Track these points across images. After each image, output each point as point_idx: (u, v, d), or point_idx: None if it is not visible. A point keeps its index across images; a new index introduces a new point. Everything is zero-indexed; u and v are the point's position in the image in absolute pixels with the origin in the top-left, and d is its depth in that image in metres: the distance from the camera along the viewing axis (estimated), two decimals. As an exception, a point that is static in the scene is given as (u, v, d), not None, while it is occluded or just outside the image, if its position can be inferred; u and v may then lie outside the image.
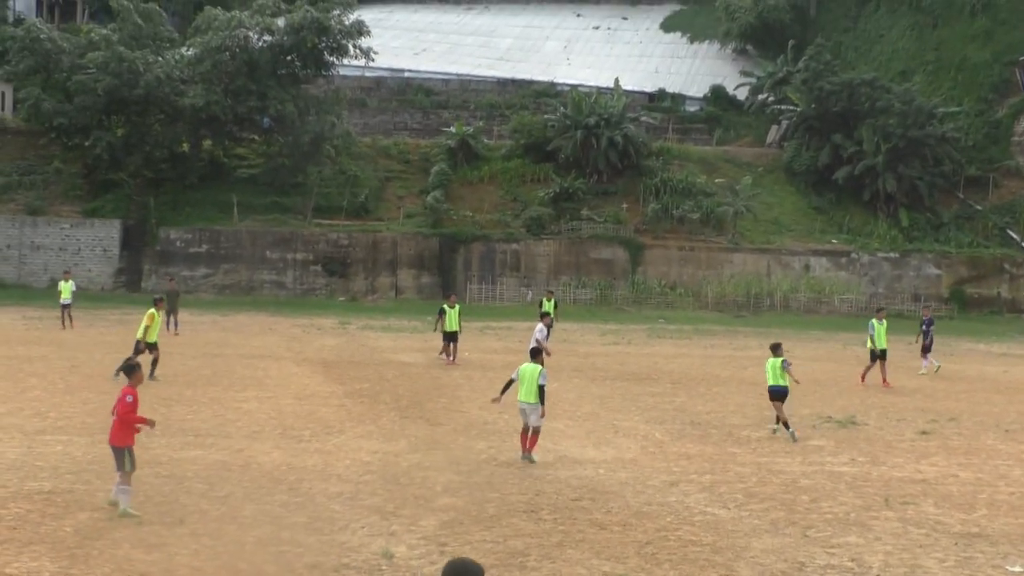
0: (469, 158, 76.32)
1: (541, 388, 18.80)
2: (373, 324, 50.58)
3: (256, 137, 75.76)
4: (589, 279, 68.68)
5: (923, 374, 35.82)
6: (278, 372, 31.17)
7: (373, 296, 67.55)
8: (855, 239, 72.46)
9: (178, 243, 68.54)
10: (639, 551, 13.38)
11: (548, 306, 42.28)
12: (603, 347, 43.07)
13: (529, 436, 19.05)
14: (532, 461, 18.79)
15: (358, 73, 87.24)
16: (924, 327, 37.75)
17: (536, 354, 19.63)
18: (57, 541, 13.05)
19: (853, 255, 70.65)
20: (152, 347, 29.03)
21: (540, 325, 33.00)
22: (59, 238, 68.28)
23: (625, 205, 73.11)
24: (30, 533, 13.34)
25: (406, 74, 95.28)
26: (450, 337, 35.73)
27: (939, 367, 36.30)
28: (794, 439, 21.77)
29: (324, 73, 75.76)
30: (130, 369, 15.22)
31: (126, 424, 14.73)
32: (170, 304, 43.54)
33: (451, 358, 35.29)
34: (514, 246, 69.90)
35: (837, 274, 69.65)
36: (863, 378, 32.56)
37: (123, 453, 14.59)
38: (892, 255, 70.85)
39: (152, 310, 29.51)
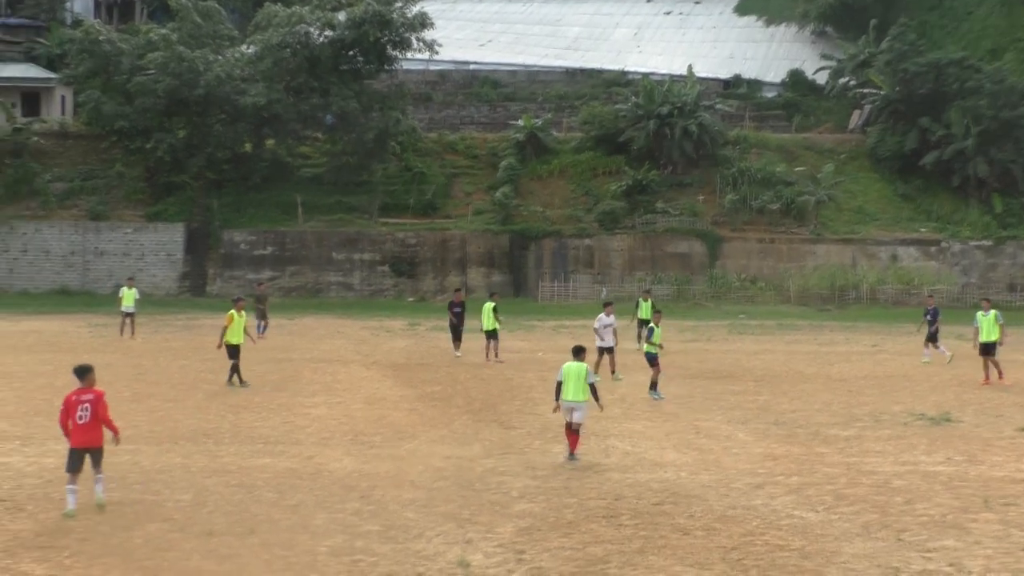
0: (538, 152, 76.31)
1: (592, 387, 19.19)
2: (443, 325, 50.58)
3: (319, 135, 76.29)
4: (665, 274, 68.36)
5: (926, 362, 36.29)
6: (347, 376, 31.36)
7: (442, 296, 67.73)
8: (945, 227, 71.45)
9: (242, 245, 69.24)
10: (724, 557, 13.28)
11: (645, 309, 39.25)
12: (682, 344, 42.84)
13: (571, 435, 19.36)
14: (576, 460, 19.11)
15: (422, 67, 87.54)
16: (928, 317, 38.10)
17: (580, 352, 19.72)
18: (127, 553, 13.21)
19: (943, 244, 69.69)
20: (234, 350, 29.18)
21: (602, 317, 31.99)
22: (122, 243, 69.26)
23: (701, 197, 72.71)
24: (101, 545, 13.52)
25: (471, 66, 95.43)
26: (489, 336, 35.94)
27: (951, 357, 36.20)
28: None
29: (387, 68, 76.08)
30: (85, 371, 15.91)
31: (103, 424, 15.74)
32: (258, 309, 44.29)
33: (491, 357, 35.51)
34: (587, 241, 69.79)
35: (927, 264, 68.75)
36: (986, 379, 30.92)
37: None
38: (985, 243, 69.76)
39: (232, 311, 29.79)
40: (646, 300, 40.79)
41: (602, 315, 32.06)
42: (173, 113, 71.69)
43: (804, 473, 18.28)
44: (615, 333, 32.08)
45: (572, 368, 19.28)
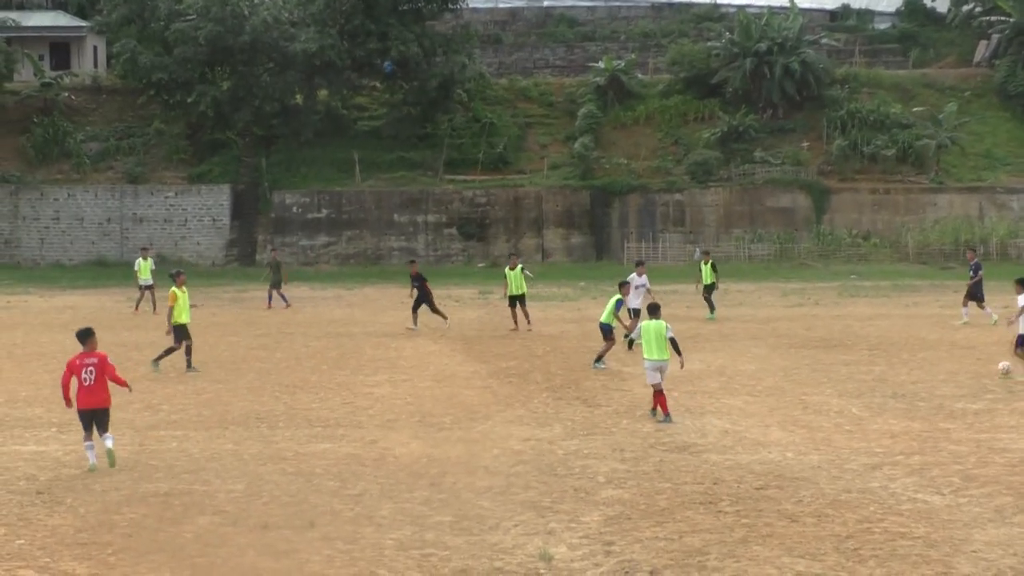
0: (621, 97, 76.01)
1: (673, 340, 20.79)
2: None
3: (377, 84, 76.58)
4: (766, 231, 67.95)
5: (964, 323, 36.22)
6: (413, 351, 31.52)
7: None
8: (1087, 171, 70.36)
9: (294, 208, 69.78)
10: (838, 547, 13.21)
11: (707, 272, 40.59)
12: (785, 310, 42.55)
13: (660, 396, 20.86)
14: (672, 422, 20.50)
15: (490, 5, 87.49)
16: (972, 272, 37.86)
17: (655, 309, 21.42)
18: (177, 549, 13.39)
19: (1084, 190, 68.63)
20: (184, 331, 28.26)
21: (634, 277, 32.80)
22: (163, 208, 70.10)
23: (806, 144, 72.09)
24: (147, 541, 13.72)
25: (545, 3, 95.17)
26: (515, 301, 36.26)
27: (996, 320, 35.57)
28: None
29: (451, 7, 76.15)
30: (87, 334, 17.82)
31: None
32: (274, 277, 45.55)
33: (517, 325, 35.98)
34: (677, 196, 69.50)
35: (1065, 214, 67.77)
36: None
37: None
38: None
39: (174, 288, 28.58)
40: (706, 263, 41.22)
41: (634, 275, 33.30)
42: (216, 63, 72.27)
43: (927, 452, 18.12)
44: (649, 293, 32.80)
45: (651, 326, 20.85)
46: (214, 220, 70.07)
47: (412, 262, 42.13)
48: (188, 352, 28.13)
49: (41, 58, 79.78)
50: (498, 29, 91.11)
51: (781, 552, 13.02)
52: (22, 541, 13.63)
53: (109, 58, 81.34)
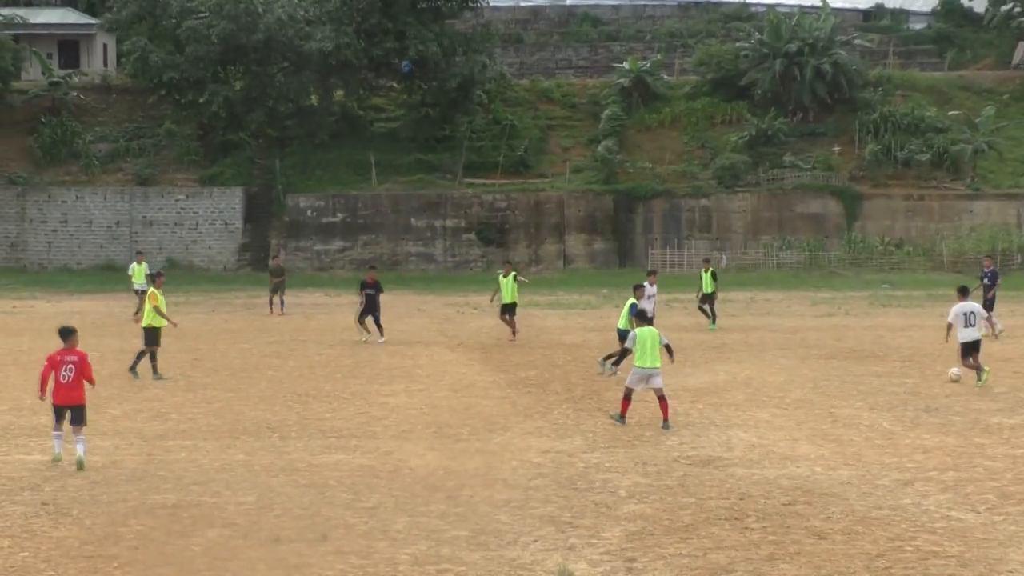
0: (646, 99, 76.05)
1: (668, 347, 21.95)
2: (538, 300, 50.80)
3: (395, 84, 76.74)
4: (795, 238, 67.92)
5: (1000, 331, 36.26)
6: (429, 360, 31.56)
7: (537, 267, 67.95)
8: None
9: (309, 212, 69.96)
10: (868, 565, 13.18)
11: (707, 281, 40.12)
12: (815, 320, 42.49)
13: (660, 403, 21.64)
14: (670, 427, 21.30)
15: (512, 3, 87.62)
16: (986, 280, 37.92)
17: (647, 316, 23.10)
18: (185, 563, 13.42)
19: None
20: (157, 335, 28.38)
21: (645, 286, 32.57)
22: (174, 211, 70.30)
23: (837, 148, 72.03)
24: (154, 554, 13.75)
25: (568, 1, 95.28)
26: (506, 310, 36.25)
27: (1002, 331, 35.98)
28: None
29: (471, 5, 76.26)
30: (68, 332, 18.78)
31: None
32: (274, 283, 46.25)
33: (514, 335, 35.92)
34: (703, 202, 69.50)
35: (1106, 222, 67.58)
36: None
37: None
38: None
39: (153, 289, 29.14)
40: (707, 271, 40.95)
41: (645, 284, 33.17)
42: (229, 62, 72.52)
43: (961, 468, 18.07)
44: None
45: (647, 333, 21.69)
46: (226, 224, 70.26)
47: (372, 268, 42.22)
48: (153, 358, 28.21)
49: (49, 56, 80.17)
50: (519, 28, 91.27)
51: (809, 571, 13.00)
52: (26, 553, 13.66)
53: (119, 57, 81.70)
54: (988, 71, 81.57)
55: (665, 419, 21.43)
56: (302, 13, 72.78)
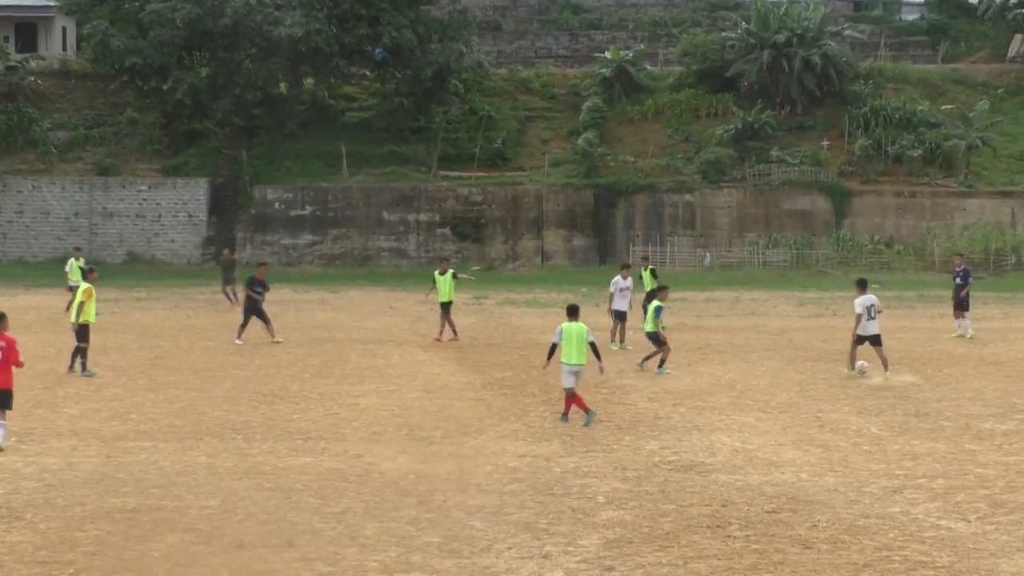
0: (629, 90, 76.12)
1: (593, 345, 22.06)
2: (515, 298, 50.84)
3: (367, 73, 76.69)
4: (782, 236, 68.06)
5: (958, 336, 36.83)
6: (401, 360, 31.54)
7: (514, 264, 68.00)
8: None
9: (276, 205, 69.84)
10: (855, 575, 13.23)
11: (647, 279, 38.81)
12: (801, 320, 42.60)
13: (569, 400, 22.06)
14: (567, 420, 22.12)
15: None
16: (958, 280, 38.08)
17: (575, 312, 22.54)
18: (145, 569, 13.40)
19: (1123, 197, 68.74)
20: (87, 331, 28.41)
21: (618, 280, 34.23)
22: (136, 203, 70.09)
23: (826, 142, 72.20)
24: (112, 559, 13.72)
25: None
26: (443, 308, 36.24)
27: (972, 335, 36.60)
28: None
29: (448, -10, 76.24)
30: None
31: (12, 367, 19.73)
32: (226, 275, 47.54)
33: (440, 335, 35.75)
34: (687, 197, 69.58)
35: (1103, 221, 67.90)
36: None
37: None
38: None
39: (87, 284, 29.21)
40: (646, 269, 40.33)
41: (618, 278, 34.41)
42: (194, 47, 72.35)
43: (952, 475, 18.14)
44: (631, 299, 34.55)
45: (572, 329, 21.98)
46: (190, 216, 70.10)
47: (262, 264, 39.74)
48: (83, 355, 28.25)
49: (6, 40, 79.86)
50: (498, 15, 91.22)
51: (794, 580, 13.04)
52: (-22, 558, 13.63)
53: (79, 41, 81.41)
54: (983, 64, 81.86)
55: (565, 412, 22.25)
56: (271, -3, 72.70)
